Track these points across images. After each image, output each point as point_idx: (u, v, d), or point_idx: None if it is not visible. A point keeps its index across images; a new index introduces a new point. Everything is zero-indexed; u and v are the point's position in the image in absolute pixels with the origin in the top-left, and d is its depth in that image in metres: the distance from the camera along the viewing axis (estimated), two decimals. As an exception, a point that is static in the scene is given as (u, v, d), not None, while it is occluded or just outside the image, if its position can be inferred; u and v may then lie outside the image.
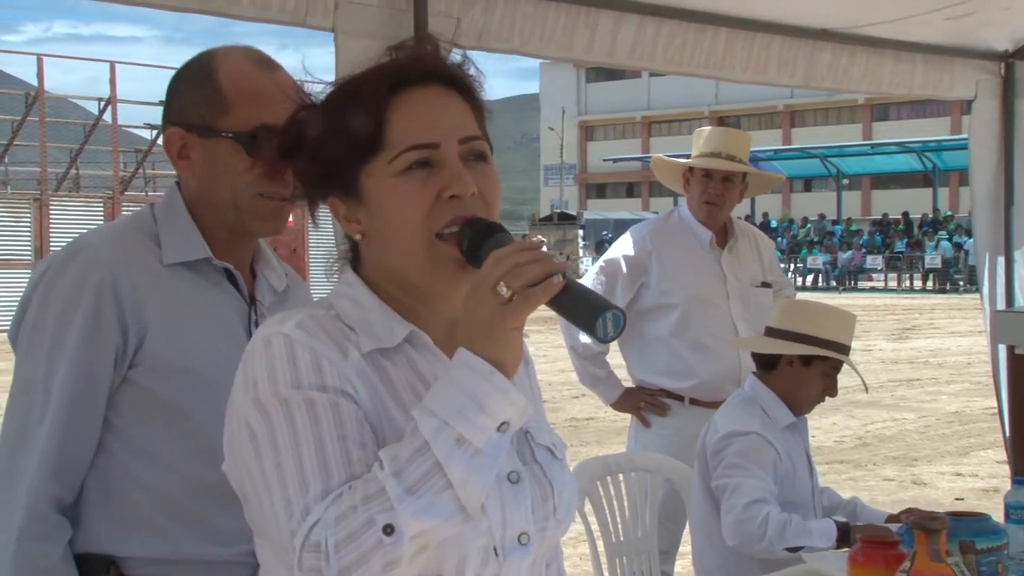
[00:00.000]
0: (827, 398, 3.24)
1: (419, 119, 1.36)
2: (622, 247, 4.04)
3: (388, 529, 1.20)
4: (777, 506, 2.95)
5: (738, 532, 2.93)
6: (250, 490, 1.32)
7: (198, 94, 1.82)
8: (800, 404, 3.23)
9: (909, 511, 2.94)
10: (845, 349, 3.18)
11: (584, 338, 4.07)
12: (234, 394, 1.35)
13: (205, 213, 1.85)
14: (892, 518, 2.98)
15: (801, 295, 4.44)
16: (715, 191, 3.89)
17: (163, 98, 1.94)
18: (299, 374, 1.30)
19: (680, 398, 3.90)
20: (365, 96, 1.36)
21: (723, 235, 3.99)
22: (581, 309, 1.26)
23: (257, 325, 1.84)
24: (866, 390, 3.52)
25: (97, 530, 1.76)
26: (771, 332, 3.26)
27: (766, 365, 3.25)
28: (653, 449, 3.86)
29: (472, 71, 1.41)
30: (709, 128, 4.05)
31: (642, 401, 3.95)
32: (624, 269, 3.96)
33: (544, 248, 1.28)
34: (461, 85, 1.40)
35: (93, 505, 1.77)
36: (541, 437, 1.45)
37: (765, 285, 4.02)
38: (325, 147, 1.37)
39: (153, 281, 1.78)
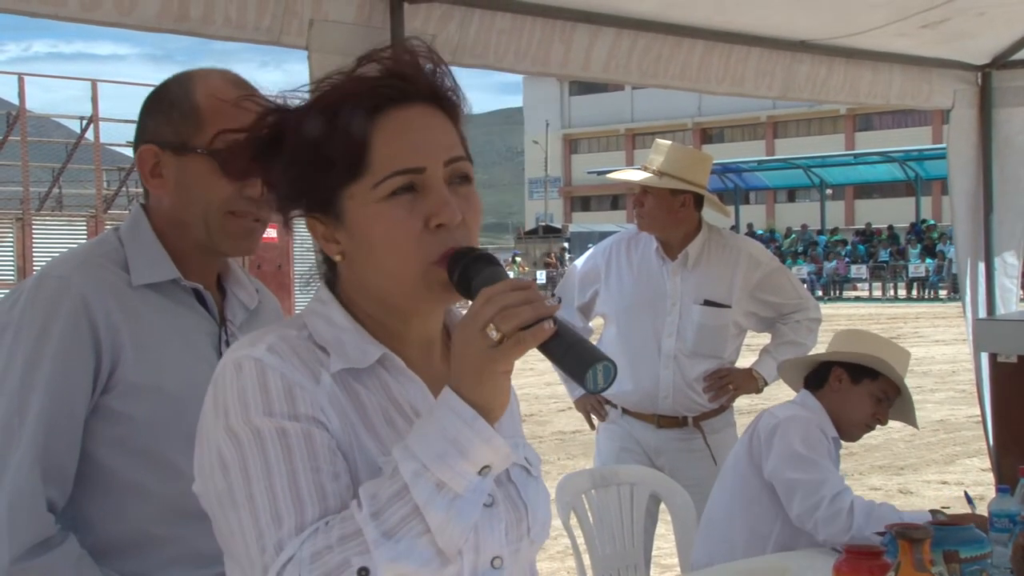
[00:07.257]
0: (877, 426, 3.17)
1: (404, 142, 1.30)
2: (585, 257, 4.27)
3: (363, 572, 1.18)
4: (852, 491, 2.93)
5: (827, 529, 2.91)
6: (220, 516, 1.29)
7: (175, 112, 1.82)
8: (848, 427, 3.16)
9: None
10: (895, 374, 3.11)
11: None
12: (204, 417, 1.32)
13: (175, 233, 1.83)
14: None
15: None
16: (636, 202, 3.99)
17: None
18: (271, 401, 1.26)
19: (615, 406, 4.06)
20: (346, 116, 1.30)
21: (680, 248, 3.95)
22: (571, 358, 1.22)
23: (228, 345, 1.82)
24: (916, 426, 3.35)
25: None
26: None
27: (815, 383, 3.20)
28: (600, 452, 4.12)
29: (452, 84, 1.36)
30: (657, 141, 4.06)
31: (589, 404, 4.13)
32: (577, 277, 4.19)
33: (534, 288, 1.23)
34: (444, 102, 1.35)
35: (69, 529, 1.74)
36: (515, 455, 1.41)
37: (717, 304, 3.91)
38: (301, 165, 1.31)
39: (123, 304, 1.76)
